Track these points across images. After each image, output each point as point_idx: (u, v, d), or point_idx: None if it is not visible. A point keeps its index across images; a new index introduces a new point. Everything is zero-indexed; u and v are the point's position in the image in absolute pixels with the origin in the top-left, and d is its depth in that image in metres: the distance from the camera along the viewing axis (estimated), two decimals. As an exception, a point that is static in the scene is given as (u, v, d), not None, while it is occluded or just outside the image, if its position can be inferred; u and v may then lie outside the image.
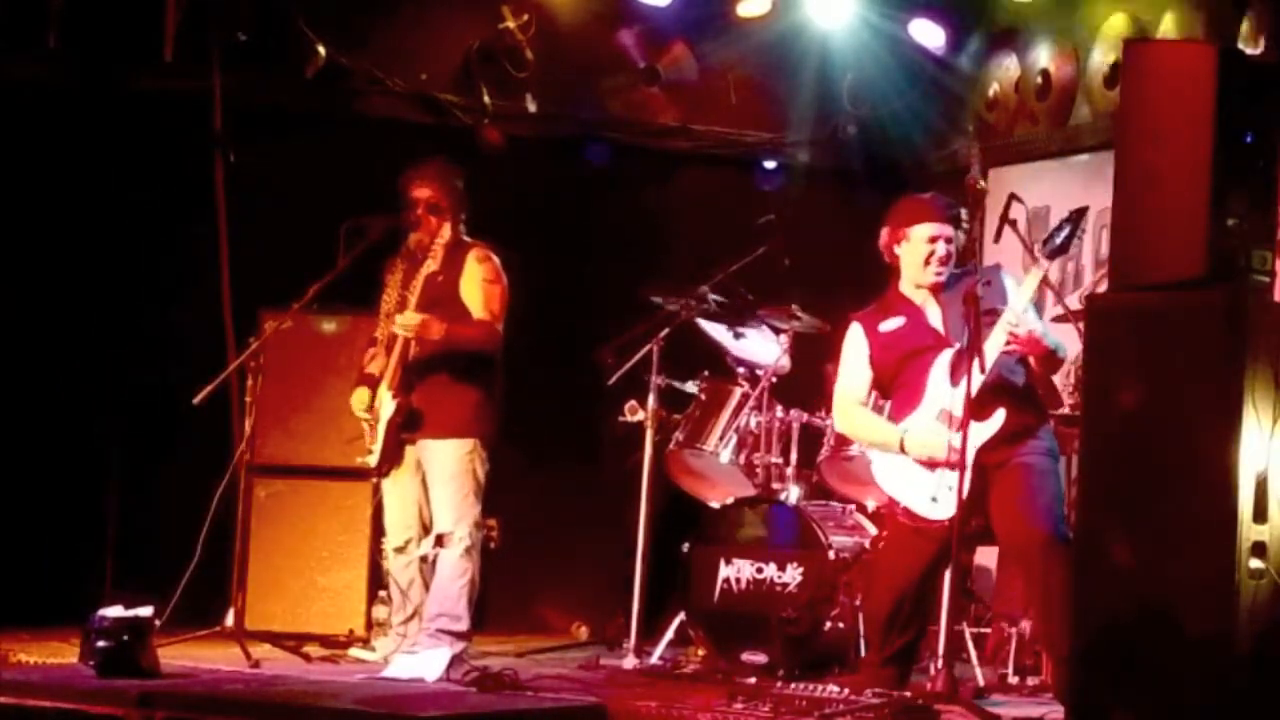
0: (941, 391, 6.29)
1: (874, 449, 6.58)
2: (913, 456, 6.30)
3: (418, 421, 6.89)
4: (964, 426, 6.05)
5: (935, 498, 6.28)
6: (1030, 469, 6.24)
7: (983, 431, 6.17)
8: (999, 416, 6.15)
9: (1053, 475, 6.31)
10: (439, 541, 6.88)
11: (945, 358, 6.29)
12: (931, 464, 6.26)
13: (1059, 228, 6.19)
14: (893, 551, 6.68)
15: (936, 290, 6.40)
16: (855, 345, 6.55)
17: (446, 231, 6.97)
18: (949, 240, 6.41)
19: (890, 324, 6.47)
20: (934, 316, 6.40)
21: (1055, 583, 6.00)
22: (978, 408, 6.08)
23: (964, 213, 6.55)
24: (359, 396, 7.00)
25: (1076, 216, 6.22)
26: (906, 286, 6.48)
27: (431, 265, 6.91)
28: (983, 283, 6.17)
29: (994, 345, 6.15)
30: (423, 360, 6.90)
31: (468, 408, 6.91)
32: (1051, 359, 6.31)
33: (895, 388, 6.46)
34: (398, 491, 7.06)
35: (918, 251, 6.41)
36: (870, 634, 6.71)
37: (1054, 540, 6.17)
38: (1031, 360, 6.30)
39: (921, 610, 6.49)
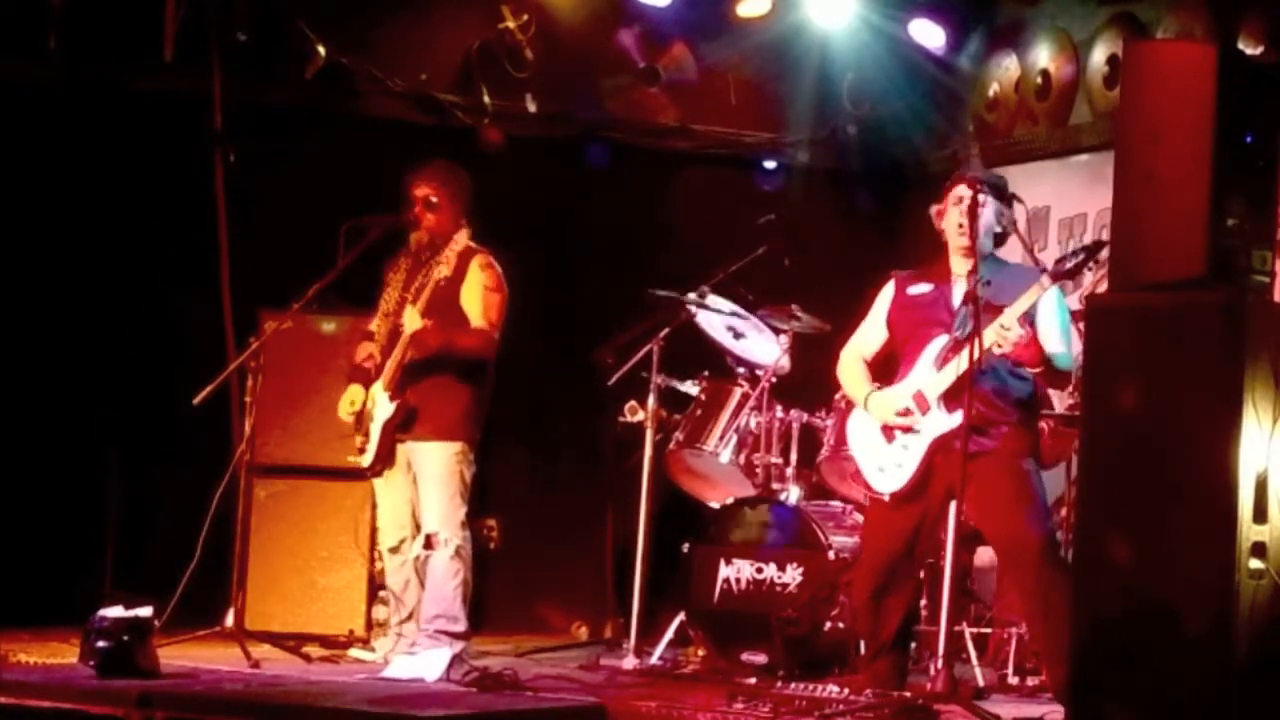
0: (925, 373, 6.35)
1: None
2: (871, 415, 6.44)
3: (412, 422, 6.90)
4: (965, 419, 6.06)
5: (883, 468, 6.41)
6: (999, 468, 6.23)
7: (939, 423, 6.22)
8: (956, 416, 6.15)
9: (1033, 477, 6.31)
10: (427, 543, 6.89)
11: (939, 342, 6.32)
12: (889, 433, 6.37)
13: (1075, 253, 6.16)
14: (868, 527, 6.73)
15: (972, 268, 6.27)
16: (882, 301, 6.65)
17: (463, 239, 6.97)
18: (975, 202, 6.34)
19: (917, 289, 6.51)
20: (957, 296, 6.37)
21: (1049, 588, 6.01)
22: (948, 397, 6.19)
23: (1006, 189, 6.52)
24: (350, 395, 7.00)
25: (1095, 248, 6.18)
26: (952, 257, 6.46)
27: (444, 271, 6.90)
28: (983, 282, 6.16)
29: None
30: (419, 362, 6.91)
31: (457, 411, 6.92)
32: (1051, 372, 6.29)
33: (903, 353, 6.53)
34: (390, 492, 7.06)
35: (950, 215, 6.42)
36: (859, 620, 6.72)
37: (1046, 545, 6.18)
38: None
39: (907, 592, 6.48)
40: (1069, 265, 6.14)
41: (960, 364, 6.12)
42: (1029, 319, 6.19)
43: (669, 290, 7.71)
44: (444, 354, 6.88)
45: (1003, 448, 6.25)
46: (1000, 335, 6.11)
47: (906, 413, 6.34)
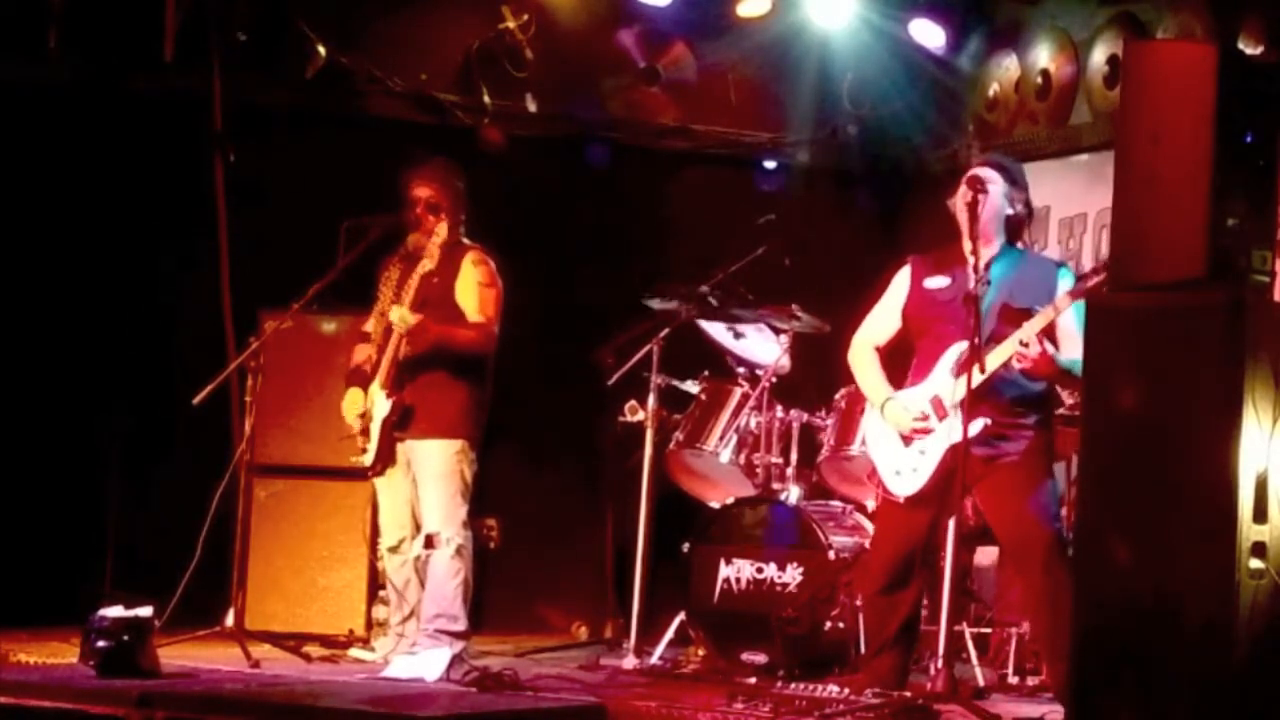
0: (943, 379, 6.33)
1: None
2: (887, 422, 6.42)
3: (410, 420, 6.90)
4: (964, 424, 6.07)
5: (899, 471, 6.39)
6: (1021, 469, 6.25)
7: (957, 431, 6.17)
8: (978, 424, 6.15)
9: (1047, 475, 6.32)
10: (428, 542, 6.88)
11: (958, 349, 6.28)
12: (906, 437, 6.35)
13: (1095, 270, 6.14)
14: (881, 526, 6.72)
15: (989, 258, 6.28)
16: (897, 289, 6.59)
17: (443, 231, 6.95)
18: (985, 185, 6.31)
19: (935, 282, 6.45)
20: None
21: (1056, 586, 6.01)
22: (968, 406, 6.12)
23: (1019, 173, 6.47)
24: (351, 400, 7.00)
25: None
26: (964, 241, 6.38)
27: (428, 265, 6.90)
28: (983, 282, 6.16)
29: (999, 355, 6.15)
30: (415, 359, 6.90)
31: (456, 408, 6.91)
32: (1067, 379, 6.29)
33: (918, 347, 6.51)
34: (390, 491, 7.05)
35: (960, 194, 6.37)
36: (865, 615, 6.71)
37: (1055, 542, 6.19)
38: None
39: (913, 589, 6.47)
40: (1091, 284, 6.08)
41: (978, 372, 6.10)
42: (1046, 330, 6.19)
43: (668, 288, 7.71)
44: (441, 348, 6.88)
45: (1026, 449, 6.27)
46: (1020, 352, 6.12)
47: (924, 417, 6.34)
